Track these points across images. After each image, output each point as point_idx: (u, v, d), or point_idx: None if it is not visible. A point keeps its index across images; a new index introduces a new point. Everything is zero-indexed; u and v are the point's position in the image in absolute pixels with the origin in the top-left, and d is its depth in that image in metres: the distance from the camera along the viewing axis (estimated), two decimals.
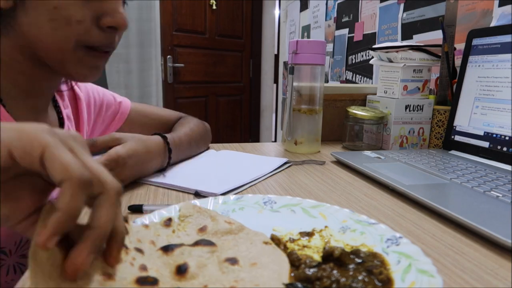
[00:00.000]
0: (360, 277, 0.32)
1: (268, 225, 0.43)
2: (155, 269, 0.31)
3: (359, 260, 0.34)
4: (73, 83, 0.69)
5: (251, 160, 0.76)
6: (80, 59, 0.49)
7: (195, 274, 0.31)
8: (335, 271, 0.33)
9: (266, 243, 0.38)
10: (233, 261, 0.34)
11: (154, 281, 0.29)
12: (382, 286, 0.31)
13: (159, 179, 0.60)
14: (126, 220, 0.34)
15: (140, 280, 0.29)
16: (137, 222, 0.41)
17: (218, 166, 0.71)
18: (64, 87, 0.66)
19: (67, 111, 0.66)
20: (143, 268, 0.30)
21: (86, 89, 0.73)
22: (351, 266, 0.34)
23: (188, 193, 0.56)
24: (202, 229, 0.39)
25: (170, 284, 0.30)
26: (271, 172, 0.68)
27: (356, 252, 0.36)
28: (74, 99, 0.69)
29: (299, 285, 0.32)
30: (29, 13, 0.45)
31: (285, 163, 0.74)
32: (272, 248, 0.37)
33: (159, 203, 0.52)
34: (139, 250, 0.32)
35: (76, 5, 0.45)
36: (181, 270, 0.31)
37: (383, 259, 0.35)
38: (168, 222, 0.39)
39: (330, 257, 0.35)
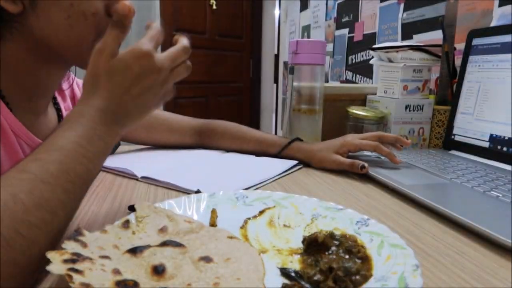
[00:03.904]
0: (346, 257, 0.35)
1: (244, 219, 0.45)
2: (130, 272, 0.31)
3: (337, 242, 0.37)
4: (73, 82, 0.69)
5: (260, 162, 0.74)
6: None
7: (173, 274, 0.31)
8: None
9: (230, 237, 0.39)
10: (207, 259, 0.34)
11: (135, 284, 0.29)
12: (362, 262, 0.34)
13: (162, 177, 0.60)
14: (80, 232, 0.34)
15: (120, 284, 0.29)
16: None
17: (225, 168, 0.70)
18: (65, 86, 0.66)
19: (65, 105, 0.66)
20: (117, 271, 0.30)
21: None
22: (333, 248, 0.36)
23: (188, 193, 0.56)
24: (163, 230, 0.39)
25: (150, 285, 0.30)
26: (280, 174, 0.66)
27: (331, 236, 0.38)
28: (73, 99, 0.69)
29: (291, 270, 0.34)
30: (41, 14, 0.46)
31: (295, 165, 0.72)
32: (238, 241, 0.38)
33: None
34: (104, 257, 0.32)
35: None
36: (158, 271, 0.31)
37: (357, 239, 0.38)
38: (126, 224, 0.39)
39: (314, 242, 0.37)
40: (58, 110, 0.63)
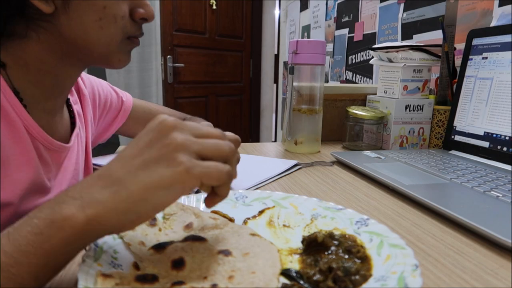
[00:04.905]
0: (346, 257, 0.35)
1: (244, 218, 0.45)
2: (152, 267, 0.32)
3: (336, 242, 0.37)
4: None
5: (260, 162, 0.74)
6: (123, 49, 0.54)
7: (192, 268, 0.32)
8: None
9: (253, 234, 0.39)
10: (226, 252, 0.35)
11: (154, 277, 0.30)
12: (361, 262, 0.34)
13: None
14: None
15: (140, 278, 0.30)
16: None
17: None
18: None
19: (76, 107, 0.66)
20: (135, 266, 0.32)
21: (90, 84, 0.72)
22: (332, 248, 0.36)
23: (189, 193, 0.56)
24: (188, 226, 0.40)
25: (169, 279, 0.31)
26: (280, 174, 0.66)
27: (331, 235, 0.38)
28: (79, 93, 0.68)
29: (293, 271, 0.34)
30: (73, 15, 0.47)
31: (295, 165, 0.72)
32: (259, 238, 0.38)
33: None
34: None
35: (120, 3, 0.50)
36: (177, 264, 0.32)
37: (356, 239, 0.38)
38: (153, 221, 0.40)
39: (313, 242, 0.37)
40: (69, 106, 0.63)
